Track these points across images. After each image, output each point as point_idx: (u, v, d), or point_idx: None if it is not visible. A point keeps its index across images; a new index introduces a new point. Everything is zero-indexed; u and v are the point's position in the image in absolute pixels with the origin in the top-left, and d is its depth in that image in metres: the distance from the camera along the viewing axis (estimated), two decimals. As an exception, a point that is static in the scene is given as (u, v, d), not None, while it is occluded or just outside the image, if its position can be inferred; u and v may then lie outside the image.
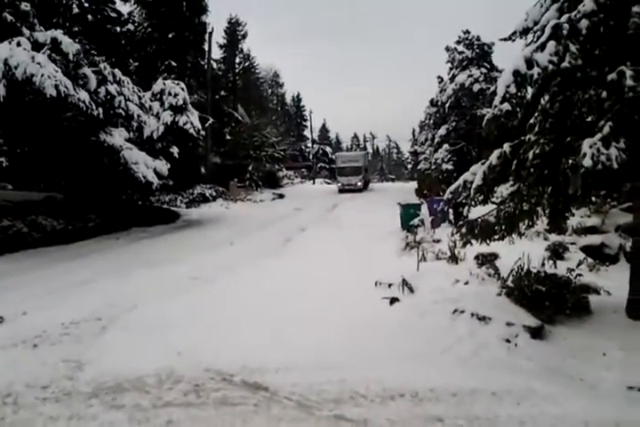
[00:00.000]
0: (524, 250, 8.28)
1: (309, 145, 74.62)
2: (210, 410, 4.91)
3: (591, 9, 5.98)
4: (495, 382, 5.25)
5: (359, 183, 40.82)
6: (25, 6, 16.16)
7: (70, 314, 8.09)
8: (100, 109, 15.56)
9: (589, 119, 6.20)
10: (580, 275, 7.45)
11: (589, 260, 9.38)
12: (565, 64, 6.03)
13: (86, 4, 25.20)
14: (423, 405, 4.91)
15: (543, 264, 8.55)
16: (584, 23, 5.99)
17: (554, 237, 11.11)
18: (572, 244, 10.70)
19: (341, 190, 39.98)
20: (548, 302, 6.79)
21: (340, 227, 19.84)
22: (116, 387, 5.45)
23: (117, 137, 17.98)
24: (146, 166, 18.35)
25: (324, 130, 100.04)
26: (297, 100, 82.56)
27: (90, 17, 24.88)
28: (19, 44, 13.62)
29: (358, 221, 20.52)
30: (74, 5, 24.17)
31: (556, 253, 10.08)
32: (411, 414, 4.72)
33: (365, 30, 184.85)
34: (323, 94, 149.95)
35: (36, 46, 14.28)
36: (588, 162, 5.40)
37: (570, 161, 6.01)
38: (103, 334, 7.28)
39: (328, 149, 73.67)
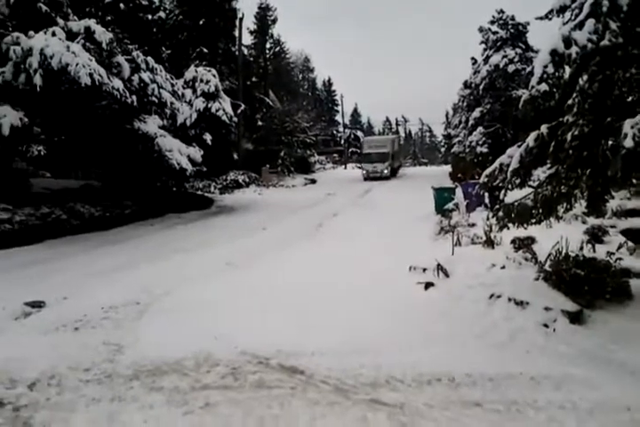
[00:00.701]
0: (562, 234, 8.11)
1: (341, 130, 74.29)
2: (247, 393, 4.98)
3: (633, -16, 5.77)
4: (533, 367, 5.20)
5: (385, 171, 38.23)
6: (59, -4, 16.37)
7: (109, 298, 8.26)
8: (134, 97, 15.70)
9: (630, 99, 6.02)
10: (620, 259, 7.29)
11: (630, 243, 9.13)
12: (605, 42, 5.85)
13: (118, -7, 25.39)
14: (460, 389, 4.89)
15: (582, 248, 8.39)
16: (625, -1, 5.79)
17: (592, 221, 10.85)
18: (612, 227, 10.44)
19: (366, 178, 37.86)
20: (587, 286, 6.65)
21: (373, 211, 19.75)
22: (155, 370, 5.56)
23: (151, 124, 18.19)
24: (180, 153, 18.54)
25: (355, 114, 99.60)
26: (328, 84, 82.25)
27: (122, 5, 25.07)
28: (54, 34, 13.79)
29: (391, 206, 20.44)
30: (106, -6, 24.40)
31: (595, 236, 9.85)
32: (448, 399, 4.71)
33: (396, 12, 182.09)
34: (354, 78, 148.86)
35: (70, 36, 14.43)
36: (629, 142, 5.23)
37: (610, 142, 5.83)
38: (141, 318, 7.43)
39: (360, 134, 73.12)
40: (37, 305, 8.12)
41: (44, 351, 6.12)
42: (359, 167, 44.19)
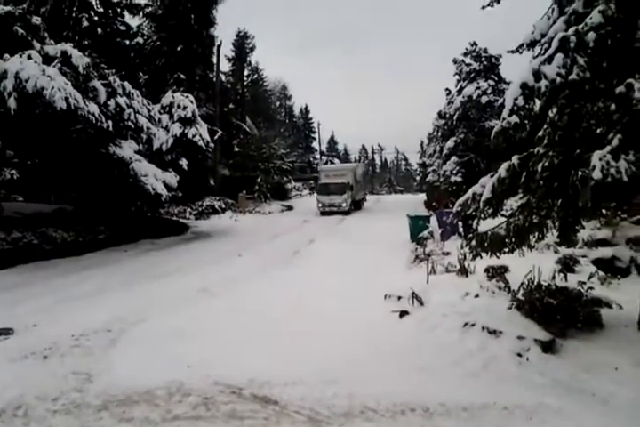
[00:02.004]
0: (535, 263, 8.22)
1: (317, 157, 74.83)
2: (219, 423, 4.91)
3: (599, 22, 5.98)
4: (506, 397, 5.21)
5: (344, 204, 33.40)
6: (36, 20, 16.34)
7: (80, 326, 8.10)
8: (110, 122, 15.66)
9: (598, 131, 6.18)
10: (591, 288, 7.38)
11: (600, 273, 9.28)
12: (573, 76, 6.03)
13: (96, 18, 25.47)
14: (434, 419, 4.88)
15: (554, 277, 8.49)
16: (591, 36, 5.98)
17: (564, 250, 11.01)
18: (583, 256, 10.60)
19: (322, 212, 33.39)
20: (560, 315, 6.72)
21: (349, 239, 19.81)
22: (125, 399, 5.45)
23: (127, 149, 18.08)
24: (155, 178, 18.41)
25: (332, 142, 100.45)
26: (305, 112, 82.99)
27: (99, 30, 25.14)
28: (29, 58, 13.75)
29: (367, 234, 20.54)
30: (83, 19, 24.48)
31: (567, 265, 10.00)
32: (422, 430, 4.69)
33: (373, 43, 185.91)
34: (331, 106, 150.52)
35: (47, 59, 14.43)
36: (597, 174, 5.37)
37: (579, 173, 5.96)
38: (113, 347, 7.28)
39: (336, 161, 73.82)
40: (5, 332, 7.92)
41: (11, 380, 5.96)
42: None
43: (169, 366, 6.30)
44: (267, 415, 5.02)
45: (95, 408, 5.26)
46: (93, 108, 14.75)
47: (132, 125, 17.67)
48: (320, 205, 33.92)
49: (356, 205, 36.43)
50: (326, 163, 69.79)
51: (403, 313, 8.21)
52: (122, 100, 16.90)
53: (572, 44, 6.12)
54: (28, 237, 15.26)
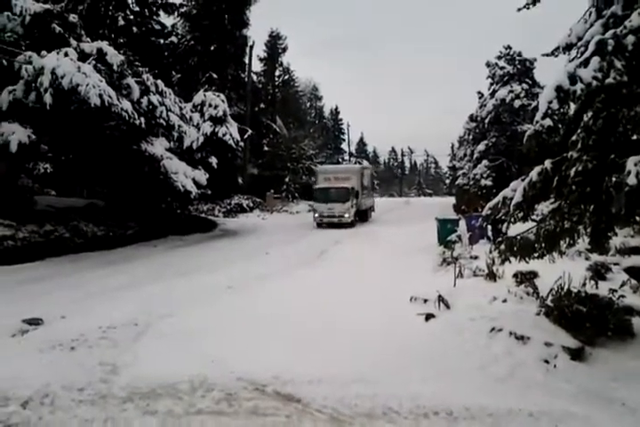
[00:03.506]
0: (565, 269, 8.06)
1: (346, 158, 74.69)
2: (241, 419, 4.93)
3: (638, 24, 5.87)
4: (532, 403, 5.12)
5: (346, 215, 26.52)
6: (73, 18, 16.75)
7: (108, 318, 8.23)
8: (142, 119, 15.87)
9: (634, 137, 6.06)
10: (622, 296, 7.22)
11: (633, 281, 9.07)
12: (610, 80, 5.92)
13: (131, 17, 26.01)
14: (458, 424, 4.83)
15: (584, 284, 8.32)
16: (630, 39, 5.87)
17: (596, 257, 10.78)
18: (615, 264, 10.37)
19: (319, 224, 26.76)
20: (589, 323, 6.59)
21: (376, 240, 19.73)
22: (149, 392, 5.51)
23: (158, 146, 18.34)
24: (185, 176, 18.65)
25: (361, 143, 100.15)
26: (335, 113, 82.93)
27: (135, 29, 25.64)
28: (66, 55, 14.02)
29: (395, 236, 20.42)
30: (119, 18, 24.98)
31: (598, 273, 9.79)
32: (445, 433, 4.64)
33: (406, 46, 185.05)
34: (360, 108, 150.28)
35: (82, 57, 14.70)
36: (632, 180, 5.25)
37: (613, 179, 5.84)
38: (139, 340, 7.38)
39: (366, 163, 73.61)
40: (35, 323, 8.09)
41: (39, 370, 6.07)
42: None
43: (193, 360, 6.35)
44: (289, 413, 5.03)
45: (120, 400, 5.34)
46: (126, 105, 14.97)
47: (164, 123, 17.89)
48: (316, 215, 27.05)
49: (362, 217, 29.43)
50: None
51: (429, 316, 8.14)
52: (154, 98, 17.13)
53: (609, 48, 6.01)
54: (59, 230, 15.59)
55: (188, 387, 5.63)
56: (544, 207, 7.71)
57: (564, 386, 5.59)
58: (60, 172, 20.98)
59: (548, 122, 6.73)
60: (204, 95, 23.47)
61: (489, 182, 29.22)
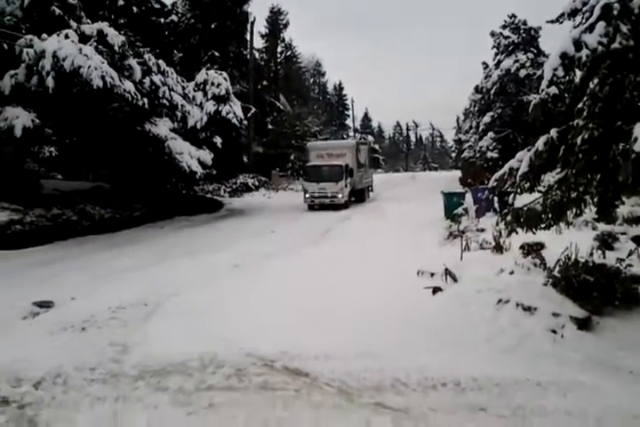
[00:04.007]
0: (572, 240, 8.03)
1: (351, 134, 74.20)
2: (251, 394, 4.98)
3: (644, -13, 5.74)
4: (540, 373, 5.14)
5: (339, 195, 24.29)
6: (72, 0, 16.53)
7: (117, 299, 8.29)
8: (145, 100, 15.80)
9: (641, 103, 5.97)
10: (630, 265, 7.20)
11: (640, 250, 9.04)
12: (616, 45, 5.81)
13: (131, -4, 25.62)
14: (466, 394, 4.85)
15: (591, 254, 8.28)
16: (637, 2, 5.76)
17: (603, 227, 10.72)
18: (623, 234, 10.32)
19: (310, 206, 24.70)
20: (596, 292, 6.57)
21: (382, 216, 19.74)
22: (160, 370, 5.57)
23: (162, 127, 18.27)
24: (190, 156, 18.62)
25: (366, 119, 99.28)
26: (339, 88, 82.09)
27: (135, 9, 25.32)
28: (66, 37, 13.92)
29: (401, 211, 20.41)
30: (119, -2, 24.62)
31: (605, 243, 9.74)
32: (453, 404, 4.68)
33: (406, 16, 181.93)
34: (364, 83, 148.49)
35: (83, 38, 14.59)
36: (639, 147, 5.19)
37: (620, 147, 5.77)
38: (148, 319, 7.45)
39: (370, 138, 73.13)
40: (46, 305, 8.18)
41: (51, 351, 6.16)
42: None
43: (202, 338, 6.40)
44: (298, 387, 5.07)
45: (131, 378, 5.40)
46: (129, 86, 14.89)
47: (167, 103, 17.81)
48: (307, 195, 24.82)
49: (358, 197, 27.39)
50: (360, 140, 68.62)
51: (436, 289, 8.15)
52: (157, 78, 17.01)
53: (615, 12, 5.89)
54: (66, 213, 15.65)
55: (199, 364, 5.68)
56: (550, 177, 7.64)
57: (572, 355, 5.60)
58: (65, 155, 21.02)
59: (553, 90, 6.63)
60: (207, 74, 23.28)
61: (495, 155, 28.95)
